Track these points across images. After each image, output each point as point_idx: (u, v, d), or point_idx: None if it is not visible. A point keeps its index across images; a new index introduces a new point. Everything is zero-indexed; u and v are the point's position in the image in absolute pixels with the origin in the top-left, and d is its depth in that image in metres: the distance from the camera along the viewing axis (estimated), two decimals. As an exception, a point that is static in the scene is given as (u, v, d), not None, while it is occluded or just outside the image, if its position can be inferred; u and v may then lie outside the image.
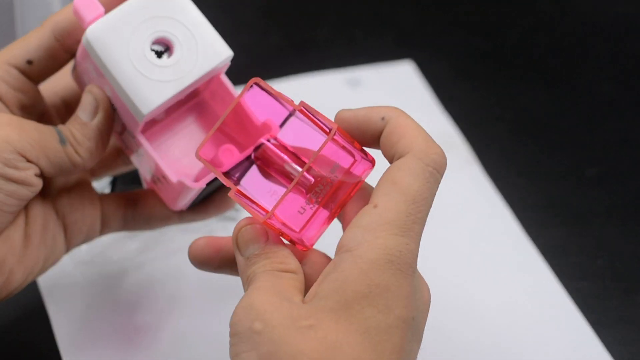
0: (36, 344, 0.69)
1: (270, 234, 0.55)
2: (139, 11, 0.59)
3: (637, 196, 0.81)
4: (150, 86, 0.58)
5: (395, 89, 0.90)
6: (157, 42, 0.59)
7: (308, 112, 0.56)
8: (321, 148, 0.54)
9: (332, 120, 0.56)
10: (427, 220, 0.78)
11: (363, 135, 0.56)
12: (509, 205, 0.79)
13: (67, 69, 0.65)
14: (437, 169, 0.53)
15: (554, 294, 0.73)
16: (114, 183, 0.76)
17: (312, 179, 0.55)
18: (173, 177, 0.60)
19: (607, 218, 0.80)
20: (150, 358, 0.68)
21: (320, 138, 0.55)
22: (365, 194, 0.57)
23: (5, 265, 0.60)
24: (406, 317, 0.51)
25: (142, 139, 0.61)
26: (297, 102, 0.56)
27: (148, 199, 0.66)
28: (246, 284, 0.54)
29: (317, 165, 0.55)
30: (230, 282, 0.72)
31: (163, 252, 0.75)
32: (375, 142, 0.56)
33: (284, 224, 0.55)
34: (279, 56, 0.94)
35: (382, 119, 0.55)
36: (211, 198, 0.65)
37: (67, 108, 0.66)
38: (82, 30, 0.60)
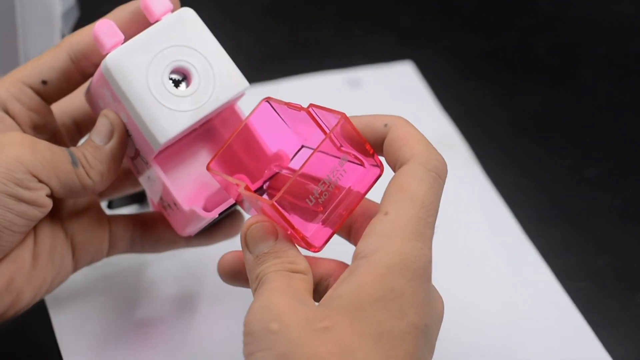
0: (37, 343, 0.69)
1: (280, 232, 0.55)
2: (158, 40, 0.59)
3: (637, 196, 0.82)
4: (168, 115, 0.58)
5: (395, 89, 0.90)
6: (175, 71, 0.59)
7: (316, 115, 0.56)
8: (323, 141, 0.54)
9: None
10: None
11: None
12: (509, 205, 0.79)
13: (79, 90, 0.65)
14: (439, 175, 0.54)
15: (553, 294, 0.73)
16: (111, 200, 0.76)
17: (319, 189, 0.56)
18: (185, 206, 0.61)
19: (607, 218, 0.80)
20: (150, 358, 0.68)
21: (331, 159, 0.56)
22: (371, 204, 0.58)
23: (14, 285, 0.61)
24: (419, 324, 0.52)
25: (156, 167, 0.61)
26: (298, 103, 0.57)
27: (156, 223, 0.66)
28: (255, 282, 0.55)
29: (323, 168, 0.55)
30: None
31: (163, 253, 0.75)
32: (378, 148, 0.56)
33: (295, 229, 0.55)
34: (279, 56, 0.94)
35: (385, 125, 0.56)
36: (219, 224, 0.65)
37: (77, 128, 0.66)
38: (98, 53, 0.60)
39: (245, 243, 0.56)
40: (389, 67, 0.92)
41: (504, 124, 0.88)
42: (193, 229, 0.62)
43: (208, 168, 0.57)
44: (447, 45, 0.95)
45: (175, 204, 0.61)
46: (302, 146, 0.60)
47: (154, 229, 0.66)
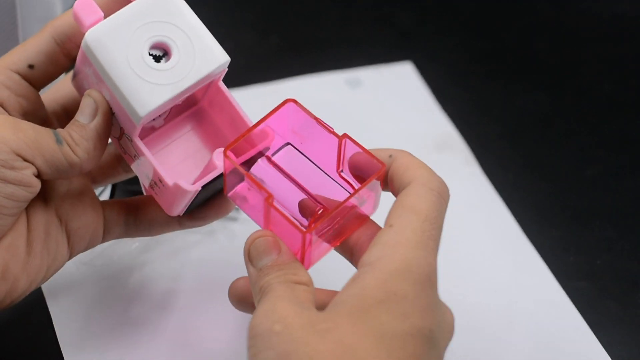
0: (38, 343, 0.69)
1: (282, 247, 0.56)
2: (137, 16, 0.59)
3: (637, 196, 0.82)
4: (148, 89, 0.59)
5: (395, 89, 0.90)
6: (155, 46, 0.60)
7: (343, 147, 0.58)
8: (348, 198, 0.57)
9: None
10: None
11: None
12: (509, 205, 0.79)
13: (67, 78, 0.65)
14: (441, 195, 0.56)
15: (553, 294, 0.73)
16: (113, 189, 0.76)
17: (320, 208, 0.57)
18: (169, 180, 0.61)
19: (607, 218, 0.80)
20: (151, 358, 0.68)
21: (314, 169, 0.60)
22: (372, 224, 0.59)
23: (9, 273, 0.60)
24: (422, 327, 0.52)
25: (139, 143, 0.61)
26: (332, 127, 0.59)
27: (149, 205, 0.66)
28: (259, 294, 0.55)
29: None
30: (230, 283, 0.72)
31: (163, 252, 0.75)
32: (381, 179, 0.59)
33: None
34: (279, 56, 0.94)
35: (390, 156, 0.58)
36: (209, 203, 0.65)
37: (67, 115, 0.66)
38: (82, 35, 0.60)
39: (249, 257, 0.57)
40: (388, 67, 0.92)
41: (504, 124, 0.88)
42: (180, 206, 0.62)
43: (225, 154, 0.57)
44: (447, 45, 0.95)
45: (160, 180, 0.61)
46: (288, 143, 0.61)
47: (147, 212, 0.66)
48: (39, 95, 0.63)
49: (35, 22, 0.79)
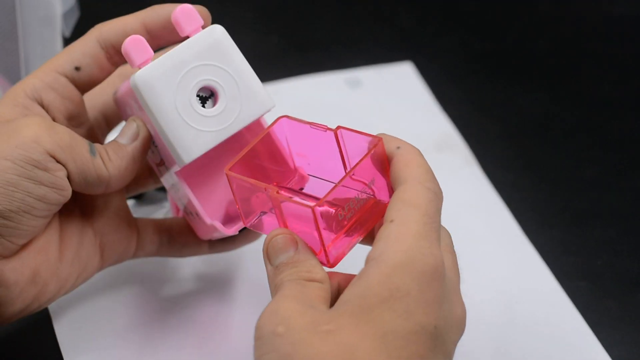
0: (37, 343, 0.69)
1: (300, 243, 0.56)
2: (187, 58, 0.59)
3: (637, 196, 0.81)
4: (193, 135, 0.59)
5: (395, 89, 0.90)
6: (203, 89, 0.60)
7: (341, 138, 0.58)
8: (361, 161, 0.56)
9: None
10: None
11: None
12: (509, 205, 0.79)
13: (104, 86, 0.65)
14: (436, 195, 0.56)
15: (553, 294, 0.73)
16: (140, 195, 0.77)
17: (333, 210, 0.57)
18: (207, 219, 0.61)
19: (607, 218, 0.80)
20: (151, 358, 0.68)
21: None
22: None
23: (39, 277, 0.61)
24: (426, 324, 0.52)
25: (180, 180, 0.61)
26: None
27: (183, 229, 0.67)
28: (273, 292, 0.55)
29: (353, 181, 0.57)
30: (231, 282, 0.72)
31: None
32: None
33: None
34: (279, 56, 0.94)
35: (398, 148, 0.58)
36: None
37: (107, 123, 0.66)
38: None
39: (267, 254, 0.57)
40: (388, 67, 0.92)
41: (504, 124, 0.88)
42: (215, 235, 0.63)
43: (227, 173, 0.57)
44: (446, 45, 0.95)
45: (197, 214, 0.62)
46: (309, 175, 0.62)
47: (181, 234, 0.67)
48: (82, 99, 0.63)
49: (35, 22, 0.79)
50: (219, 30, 0.60)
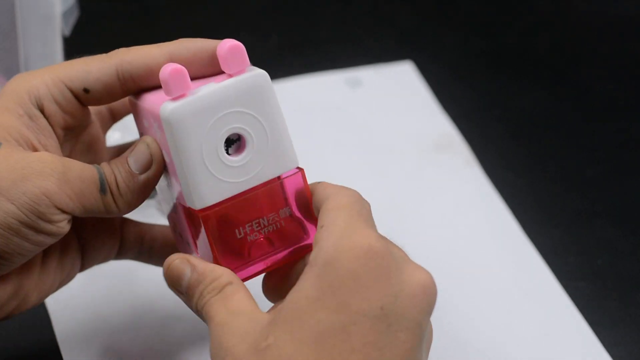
0: (37, 343, 0.69)
1: (192, 260, 0.56)
2: (224, 102, 0.56)
3: (637, 196, 0.82)
4: (211, 184, 0.56)
5: (395, 89, 0.90)
6: (233, 133, 0.57)
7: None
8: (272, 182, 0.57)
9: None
10: (427, 219, 0.79)
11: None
12: (509, 205, 0.79)
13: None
14: (359, 198, 0.55)
15: (553, 294, 0.73)
16: None
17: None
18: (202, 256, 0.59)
19: (607, 218, 0.80)
20: (151, 358, 0.68)
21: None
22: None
23: (21, 290, 0.60)
24: (366, 309, 0.50)
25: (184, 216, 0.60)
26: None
27: (167, 242, 0.65)
28: (203, 318, 0.55)
29: (262, 209, 0.58)
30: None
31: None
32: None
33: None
34: (279, 56, 0.94)
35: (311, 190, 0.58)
36: None
37: (112, 115, 0.64)
38: (147, 79, 0.58)
39: (172, 286, 0.56)
40: (388, 67, 0.92)
41: (504, 124, 0.88)
42: None
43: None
44: (447, 45, 0.95)
45: (188, 244, 0.60)
46: None
47: (164, 248, 0.65)
48: (86, 111, 0.61)
49: (35, 21, 0.79)
50: (264, 78, 0.58)
